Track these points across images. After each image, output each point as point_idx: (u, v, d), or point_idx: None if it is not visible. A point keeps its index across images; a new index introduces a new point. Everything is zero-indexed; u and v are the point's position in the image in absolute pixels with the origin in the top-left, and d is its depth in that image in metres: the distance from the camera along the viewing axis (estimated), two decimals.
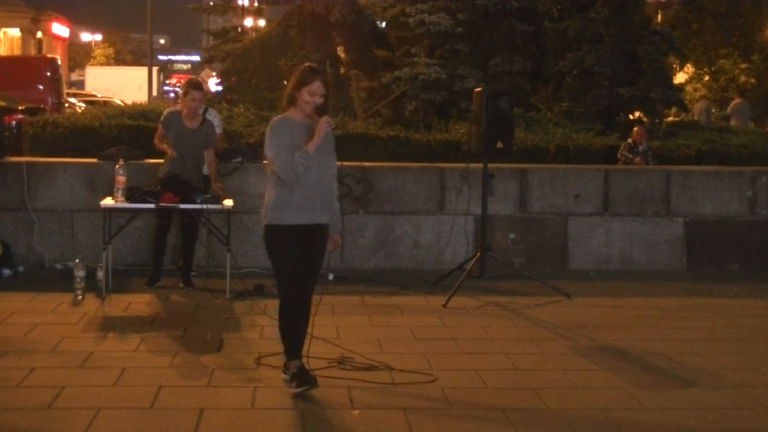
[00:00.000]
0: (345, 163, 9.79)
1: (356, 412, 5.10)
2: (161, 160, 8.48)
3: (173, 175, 8.11)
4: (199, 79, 9.46)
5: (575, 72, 14.72)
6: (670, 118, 17.07)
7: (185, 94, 8.27)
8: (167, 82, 49.51)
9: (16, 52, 44.82)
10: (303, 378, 5.39)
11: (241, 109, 13.32)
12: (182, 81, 15.91)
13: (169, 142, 8.23)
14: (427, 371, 5.91)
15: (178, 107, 8.46)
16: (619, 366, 6.23)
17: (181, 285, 8.30)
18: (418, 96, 14.19)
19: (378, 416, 5.13)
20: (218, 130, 9.10)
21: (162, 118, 8.42)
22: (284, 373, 5.55)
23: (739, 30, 29.94)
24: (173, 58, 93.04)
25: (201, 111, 8.98)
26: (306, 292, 5.53)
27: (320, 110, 5.42)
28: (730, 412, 5.35)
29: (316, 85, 5.39)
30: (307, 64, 5.66)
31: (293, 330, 5.50)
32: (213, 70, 25.78)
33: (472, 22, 15.27)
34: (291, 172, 5.31)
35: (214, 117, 9.11)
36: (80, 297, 7.78)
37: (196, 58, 65.40)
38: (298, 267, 5.43)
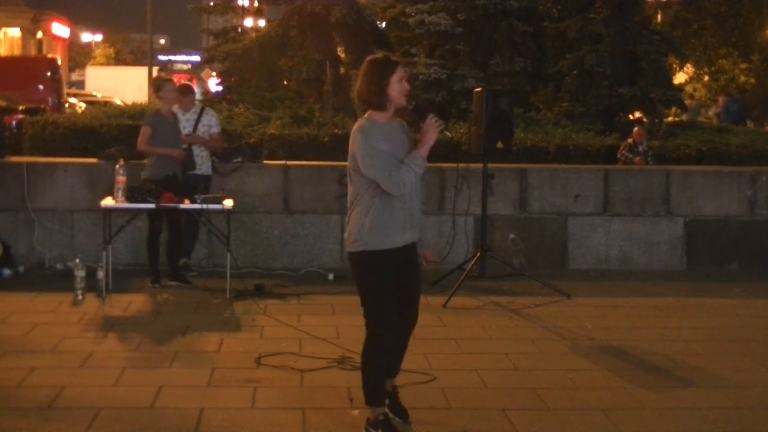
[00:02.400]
0: (345, 163, 9.80)
1: (356, 412, 5.10)
2: None
3: (170, 175, 8.20)
4: (186, 81, 9.77)
5: (575, 72, 14.72)
6: (670, 118, 17.07)
7: (159, 89, 8.63)
8: None
9: (16, 52, 44.81)
10: (392, 428, 4.78)
11: (241, 109, 13.32)
12: (182, 81, 15.91)
13: (152, 142, 8.35)
14: (427, 371, 5.91)
15: (155, 108, 8.83)
16: (619, 366, 6.23)
17: (150, 284, 8.32)
18: (418, 96, 14.19)
19: None
20: (217, 130, 9.14)
21: (147, 120, 8.51)
22: (368, 428, 4.83)
23: (739, 30, 29.93)
24: (173, 58, 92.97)
25: (197, 111, 9.04)
26: (407, 324, 4.93)
27: (425, 111, 4.74)
28: (730, 412, 5.35)
29: (401, 70, 4.68)
30: (370, 58, 4.86)
31: (384, 371, 4.82)
32: (213, 70, 25.86)
33: (472, 22, 15.27)
34: (403, 184, 4.56)
35: (211, 117, 9.14)
36: (80, 297, 7.78)
37: (196, 58, 65.40)
38: (400, 296, 4.76)
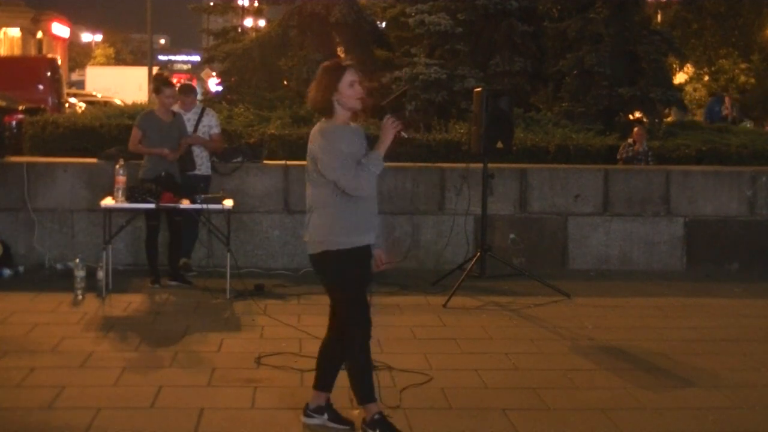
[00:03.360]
0: None
1: (356, 412, 5.10)
2: None
3: (166, 174, 8.21)
4: (187, 81, 9.74)
5: (575, 72, 14.72)
6: (669, 118, 17.07)
7: (158, 91, 8.61)
8: None
9: (16, 52, 44.82)
10: (391, 426, 4.77)
11: (241, 109, 13.32)
12: (182, 81, 15.93)
13: (146, 143, 8.37)
14: (427, 371, 5.91)
15: (149, 109, 8.90)
16: (619, 366, 6.23)
17: (150, 284, 8.32)
18: (418, 96, 14.20)
19: None
20: (217, 130, 9.14)
21: (137, 122, 8.52)
22: (307, 413, 4.93)
23: (739, 30, 29.95)
24: (173, 58, 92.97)
25: (198, 111, 9.04)
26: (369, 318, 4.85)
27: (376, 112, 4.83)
28: (730, 412, 5.35)
29: (351, 73, 4.63)
30: (322, 64, 4.86)
31: (369, 366, 4.83)
32: (213, 70, 25.86)
33: (472, 22, 15.27)
34: (365, 183, 4.59)
35: (212, 117, 9.14)
36: (80, 297, 7.78)
37: (196, 58, 65.37)
38: (366, 293, 4.78)
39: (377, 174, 4.66)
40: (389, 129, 4.65)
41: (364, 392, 4.79)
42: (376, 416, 4.77)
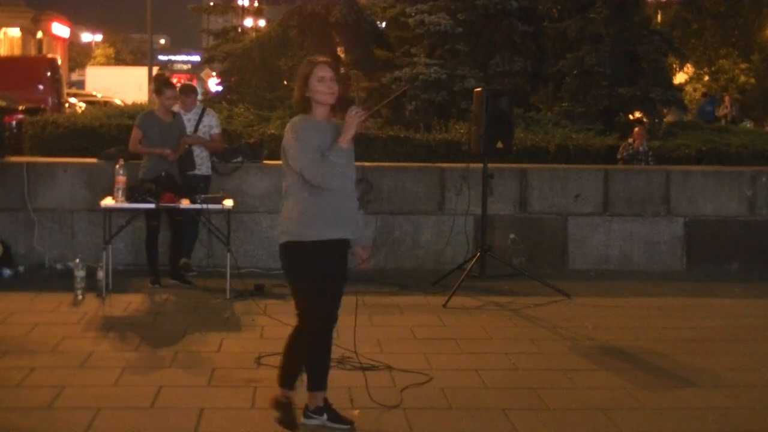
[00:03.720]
0: None
1: (356, 412, 5.10)
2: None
3: (166, 174, 8.21)
4: (187, 81, 9.76)
5: (575, 72, 14.72)
6: (667, 118, 17.08)
7: (159, 92, 8.60)
8: None
9: (16, 52, 44.82)
10: (337, 413, 4.93)
11: (241, 109, 13.33)
12: (182, 81, 15.93)
13: (146, 143, 8.38)
14: (427, 371, 5.90)
15: (150, 109, 8.92)
16: (619, 366, 6.23)
17: (149, 284, 8.32)
18: (418, 96, 14.19)
19: (378, 416, 5.13)
20: (217, 130, 9.14)
21: (137, 122, 8.53)
22: (307, 415, 4.95)
23: (739, 30, 29.98)
24: (173, 58, 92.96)
25: (198, 111, 9.04)
26: (335, 314, 4.92)
27: (349, 104, 4.81)
28: (729, 412, 5.35)
29: (321, 69, 4.73)
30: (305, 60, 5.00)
31: (324, 357, 4.90)
32: (213, 70, 25.85)
33: (472, 22, 15.27)
34: (328, 176, 4.63)
35: (212, 117, 9.14)
36: (80, 297, 7.78)
37: (196, 58, 65.38)
38: (329, 287, 4.80)
39: (342, 165, 4.68)
40: (353, 121, 4.69)
41: (314, 380, 4.90)
42: (321, 403, 4.90)
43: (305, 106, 4.78)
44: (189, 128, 8.84)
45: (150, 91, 32.82)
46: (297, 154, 4.66)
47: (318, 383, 4.90)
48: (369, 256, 5.06)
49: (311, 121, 4.76)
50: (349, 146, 4.76)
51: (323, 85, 4.72)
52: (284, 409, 4.89)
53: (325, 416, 4.93)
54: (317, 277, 4.75)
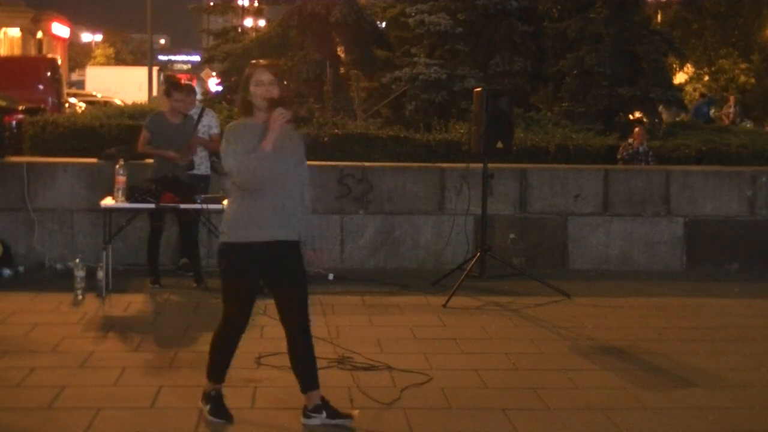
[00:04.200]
0: (345, 163, 9.84)
1: (356, 412, 5.10)
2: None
3: (168, 176, 8.21)
4: (187, 81, 9.77)
5: (575, 72, 14.72)
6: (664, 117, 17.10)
7: (168, 94, 8.57)
8: None
9: (16, 52, 44.84)
10: (220, 406, 5.01)
11: None
12: (183, 82, 15.93)
13: (154, 145, 8.40)
14: (427, 371, 5.91)
15: (159, 110, 8.87)
16: (619, 366, 6.23)
17: (194, 284, 8.33)
18: (418, 96, 14.20)
19: (378, 416, 5.13)
20: (216, 130, 9.13)
21: (146, 122, 8.56)
22: (203, 402, 5.07)
23: (739, 30, 29.99)
24: (173, 58, 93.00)
25: (197, 111, 9.04)
26: (292, 329, 4.99)
27: (276, 106, 4.82)
28: (730, 412, 5.35)
29: (258, 73, 4.80)
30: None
31: (228, 352, 5.03)
32: (213, 70, 25.85)
33: (472, 22, 15.28)
34: (251, 177, 4.68)
35: (212, 117, 9.15)
36: (80, 297, 7.78)
37: (196, 58, 65.38)
38: (249, 289, 4.90)
39: (265, 167, 4.69)
40: (276, 122, 4.74)
41: (211, 369, 5.04)
42: (213, 392, 5.02)
43: (247, 109, 4.87)
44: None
45: (150, 91, 32.89)
46: (225, 157, 4.77)
47: (213, 373, 5.03)
48: (320, 258, 5.10)
49: (245, 124, 4.84)
50: (288, 146, 4.82)
51: (261, 89, 4.79)
52: (214, 401, 5.01)
53: (324, 414, 4.92)
54: (238, 277, 4.85)
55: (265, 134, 4.75)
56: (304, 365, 5.00)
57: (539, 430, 5.03)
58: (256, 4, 27.32)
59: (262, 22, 28.46)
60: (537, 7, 15.82)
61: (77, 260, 7.88)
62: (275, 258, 4.84)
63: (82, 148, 10.93)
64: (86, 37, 72.31)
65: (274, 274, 4.89)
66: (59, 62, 26.92)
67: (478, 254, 8.53)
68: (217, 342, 5.03)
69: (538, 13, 15.93)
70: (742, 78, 31.27)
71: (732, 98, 26.19)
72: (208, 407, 5.01)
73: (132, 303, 7.77)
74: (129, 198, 7.86)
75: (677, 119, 17.19)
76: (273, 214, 4.78)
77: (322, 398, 4.99)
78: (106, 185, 8.48)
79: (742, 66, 31.36)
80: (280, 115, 4.73)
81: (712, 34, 29.64)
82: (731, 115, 24.28)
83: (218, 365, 5.04)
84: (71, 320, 7.09)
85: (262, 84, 4.79)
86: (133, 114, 12.94)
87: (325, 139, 11.49)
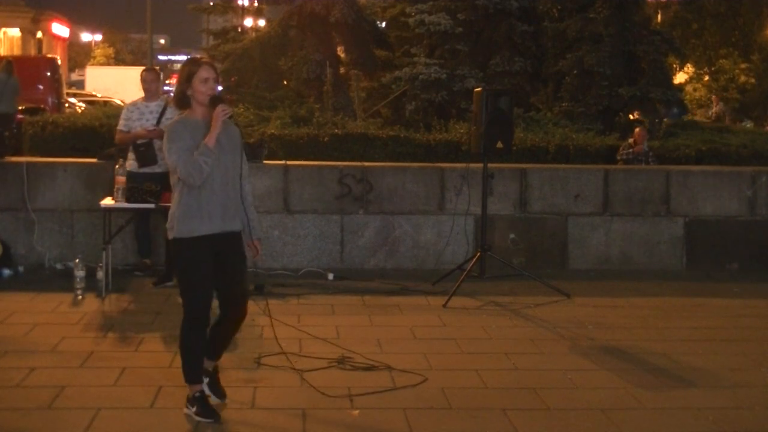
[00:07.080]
0: (345, 163, 9.84)
1: (356, 412, 5.10)
2: None
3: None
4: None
5: (575, 72, 14.74)
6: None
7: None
8: (167, 81, 49.61)
9: (16, 52, 44.83)
10: (206, 406, 5.01)
11: (241, 109, 13.32)
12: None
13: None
14: (427, 371, 5.90)
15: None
16: (619, 366, 6.23)
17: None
18: (418, 96, 14.21)
19: (378, 416, 5.13)
20: None
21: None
22: (188, 406, 5.05)
23: (739, 30, 29.99)
24: (173, 58, 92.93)
25: (161, 104, 9.01)
26: (228, 315, 5.09)
27: (217, 102, 4.90)
28: (729, 412, 5.35)
29: (204, 70, 4.88)
30: (187, 59, 5.16)
31: (199, 352, 5.04)
32: None
33: (472, 22, 15.29)
34: (196, 173, 4.77)
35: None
36: (80, 297, 7.78)
37: None
38: (207, 282, 4.93)
39: (209, 163, 4.79)
40: (218, 119, 4.82)
41: (187, 373, 5.04)
42: (197, 394, 5.02)
43: (185, 103, 4.95)
44: (152, 121, 8.57)
45: None
46: (169, 154, 4.85)
47: (190, 376, 5.04)
48: (258, 252, 5.23)
49: (186, 121, 4.93)
50: (229, 141, 4.92)
51: (205, 86, 4.87)
52: (199, 402, 5.01)
53: (194, 408, 5.01)
54: (194, 272, 4.92)
55: (206, 130, 4.85)
56: (223, 341, 5.20)
57: (539, 430, 5.03)
58: (256, 4, 27.32)
59: (262, 22, 28.47)
60: (537, 7, 15.84)
61: (77, 260, 7.88)
62: (221, 249, 4.96)
63: (82, 148, 10.94)
64: (86, 37, 72.31)
65: (219, 264, 4.97)
66: (59, 62, 26.91)
67: (478, 254, 8.52)
68: (184, 343, 5.03)
69: (538, 13, 15.95)
70: (742, 78, 31.26)
71: (715, 98, 26.24)
72: (194, 409, 5.00)
73: (132, 303, 7.77)
74: (129, 198, 7.86)
75: (692, 117, 17.21)
76: (218, 207, 4.91)
77: (203, 392, 5.04)
78: (105, 185, 8.48)
79: (742, 66, 31.34)
80: (222, 111, 4.83)
81: (712, 34, 29.64)
82: (714, 115, 24.37)
83: (191, 366, 5.04)
84: (71, 320, 7.09)
85: (208, 82, 4.88)
86: None
87: (325, 139, 11.49)
